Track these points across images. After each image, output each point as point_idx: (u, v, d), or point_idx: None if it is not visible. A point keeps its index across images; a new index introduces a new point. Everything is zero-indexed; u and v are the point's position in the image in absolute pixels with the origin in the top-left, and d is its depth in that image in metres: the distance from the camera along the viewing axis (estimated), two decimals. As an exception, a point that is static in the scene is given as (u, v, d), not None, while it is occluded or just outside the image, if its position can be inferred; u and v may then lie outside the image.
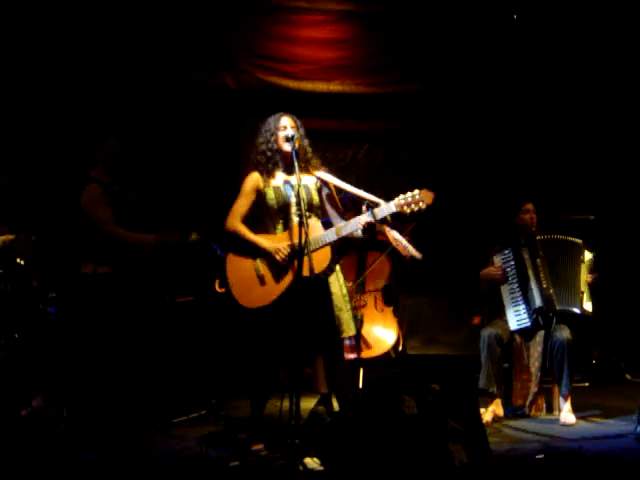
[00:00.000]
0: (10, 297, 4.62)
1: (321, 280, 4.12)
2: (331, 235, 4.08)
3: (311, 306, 4.01)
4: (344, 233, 4.04)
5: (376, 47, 6.82)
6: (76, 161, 5.50)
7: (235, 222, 4.23)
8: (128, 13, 6.25)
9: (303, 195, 4.02)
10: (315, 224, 4.13)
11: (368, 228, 4.02)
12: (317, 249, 4.04)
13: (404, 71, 6.84)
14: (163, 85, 6.39)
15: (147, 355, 4.80)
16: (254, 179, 4.27)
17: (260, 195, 4.25)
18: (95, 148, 4.92)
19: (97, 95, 6.20)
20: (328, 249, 4.11)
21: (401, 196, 3.95)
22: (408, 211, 3.91)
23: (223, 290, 4.96)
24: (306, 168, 4.24)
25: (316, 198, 4.26)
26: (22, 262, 4.69)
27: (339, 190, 4.28)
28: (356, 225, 4.01)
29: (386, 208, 3.97)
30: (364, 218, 3.99)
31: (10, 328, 4.54)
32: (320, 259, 4.03)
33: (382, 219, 4.01)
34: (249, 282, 4.14)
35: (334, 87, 6.76)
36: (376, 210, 3.98)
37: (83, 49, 6.16)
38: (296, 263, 3.92)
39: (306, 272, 3.87)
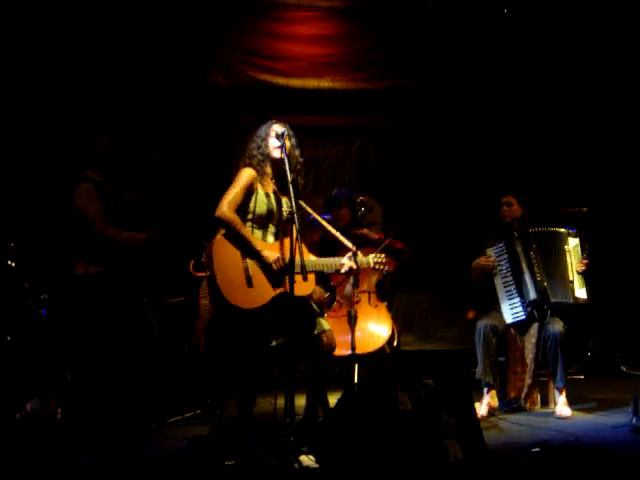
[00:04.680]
0: (1, 299, 4.60)
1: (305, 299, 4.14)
2: (327, 267, 4.17)
3: (295, 320, 3.95)
4: (331, 271, 4.30)
5: (366, 43, 6.82)
6: (70, 162, 5.49)
7: (230, 212, 3.97)
8: (119, 13, 6.23)
9: (292, 205, 3.94)
10: (304, 247, 4.04)
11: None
12: (309, 272, 4.03)
13: (394, 67, 6.84)
14: (154, 84, 6.37)
15: (140, 355, 4.78)
16: (251, 174, 4.09)
17: (251, 194, 4.10)
18: (88, 148, 4.91)
19: (89, 95, 6.18)
20: (313, 275, 4.12)
21: (377, 255, 4.41)
22: (378, 267, 4.40)
23: (201, 274, 4.93)
24: (295, 181, 4.10)
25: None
26: (13, 264, 4.67)
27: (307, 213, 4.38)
28: (339, 267, 4.23)
29: (365, 262, 4.35)
30: (348, 264, 4.23)
31: (2, 330, 4.52)
32: (310, 281, 4.06)
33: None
34: (236, 279, 3.97)
35: (324, 84, 6.75)
36: (358, 260, 4.28)
37: (76, 50, 6.14)
38: (287, 278, 3.92)
39: (299, 292, 3.92)
